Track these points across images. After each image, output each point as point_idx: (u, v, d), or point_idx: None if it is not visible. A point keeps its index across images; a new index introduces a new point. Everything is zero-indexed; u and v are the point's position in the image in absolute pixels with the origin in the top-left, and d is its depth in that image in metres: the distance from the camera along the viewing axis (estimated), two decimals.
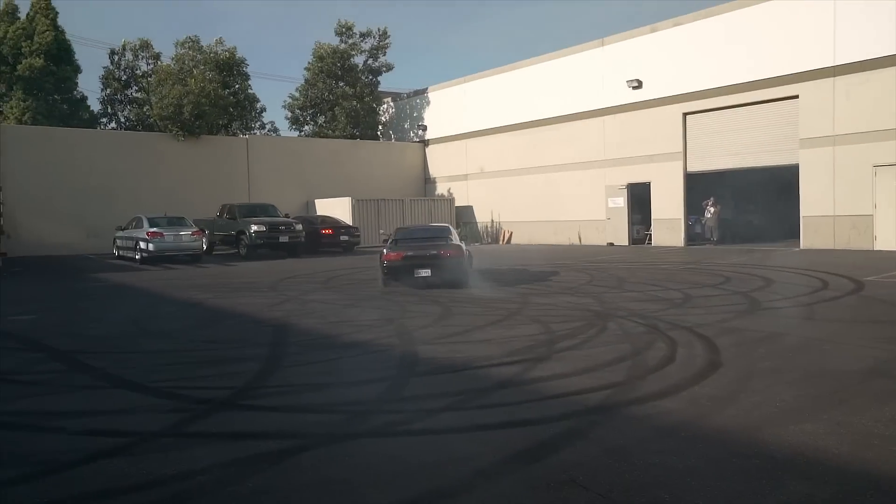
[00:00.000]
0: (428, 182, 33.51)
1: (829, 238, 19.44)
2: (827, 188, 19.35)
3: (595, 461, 3.88)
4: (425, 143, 33.49)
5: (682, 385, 5.41)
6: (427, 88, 33.28)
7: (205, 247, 21.11)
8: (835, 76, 19.03)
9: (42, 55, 28.15)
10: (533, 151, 27.71)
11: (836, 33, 18.90)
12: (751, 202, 28.13)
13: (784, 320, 8.44)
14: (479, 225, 29.98)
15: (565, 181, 26.48)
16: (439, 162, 32.78)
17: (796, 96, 19.89)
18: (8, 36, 28.30)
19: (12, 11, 29.15)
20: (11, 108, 28.23)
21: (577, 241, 26.03)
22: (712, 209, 23.43)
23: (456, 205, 30.62)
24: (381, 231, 15.41)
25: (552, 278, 13.89)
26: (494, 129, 29.37)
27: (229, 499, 3.56)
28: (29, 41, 28.26)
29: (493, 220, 29.57)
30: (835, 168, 19.15)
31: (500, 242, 28.62)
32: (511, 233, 28.76)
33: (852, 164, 18.74)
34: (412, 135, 34.19)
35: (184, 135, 26.75)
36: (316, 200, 29.17)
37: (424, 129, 33.28)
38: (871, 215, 18.49)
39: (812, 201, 19.77)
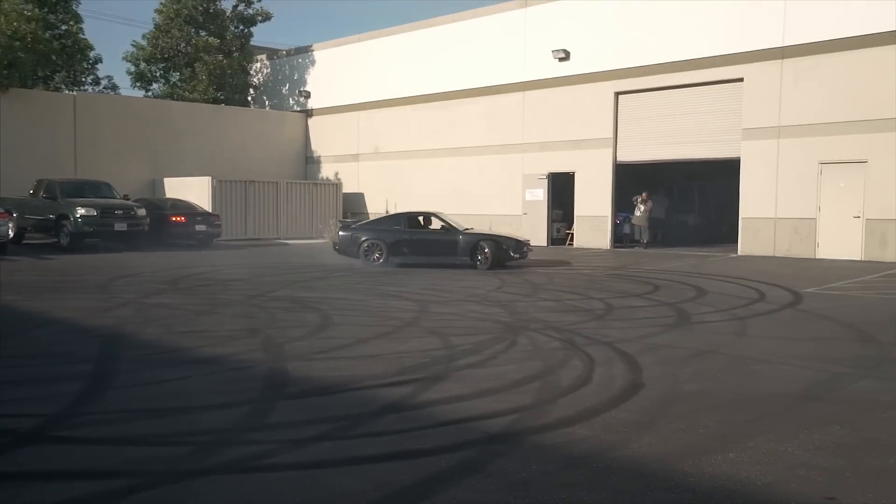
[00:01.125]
0: (310, 162, 33.16)
1: (770, 243, 20.91)
2: (769, 186, 20.81)
3: (492, 498, 4.03)
4: (308, 113, 33.13)
5: (597, 409, 5.71)
6: (312, 46, 32.94)
7: (11, 234, 20.22)
8: (783, 58, 20.48)
9: None
10: (440, 130, 28.06)
11: (787, 9, 20.27)
12: (687, 200, 29.70)
13: (714, 336, 9.03)
14: (370, 217, 29.98)
15: (477, 167, 26.98)
16: (325, 138, 32.53)
17: (741, 79, 21.24)
18: None
19: None
20: None
21: None
22: (642, 206, 24.51)
23: (344, 191, 30.51)
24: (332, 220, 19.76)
25: (456, 282, 14.17)
26: (395, 100, 29.48)
27: None
28: None
29: (388, 212, 29.62)
30: (779, 164, 20.62)
31: None
32: None
33: (797, 159, 20.23)
34: (292, 102, 33.73)
35: None
36: (165, 179, 28.38)
37: (307, 95, 32.92)
38: (815, 219, 20.04)
39: (753, 201, 21.19)
